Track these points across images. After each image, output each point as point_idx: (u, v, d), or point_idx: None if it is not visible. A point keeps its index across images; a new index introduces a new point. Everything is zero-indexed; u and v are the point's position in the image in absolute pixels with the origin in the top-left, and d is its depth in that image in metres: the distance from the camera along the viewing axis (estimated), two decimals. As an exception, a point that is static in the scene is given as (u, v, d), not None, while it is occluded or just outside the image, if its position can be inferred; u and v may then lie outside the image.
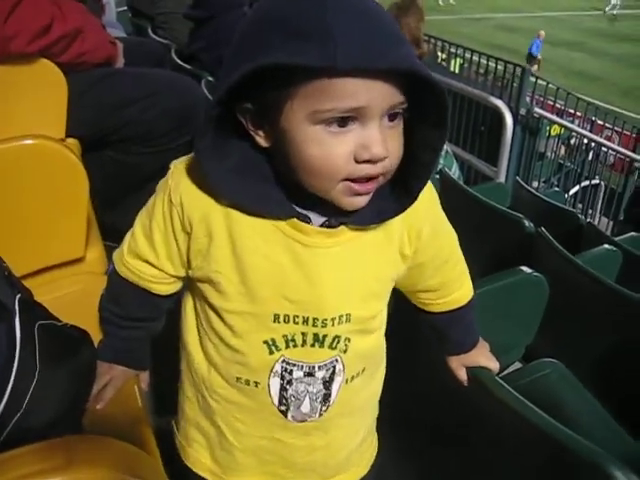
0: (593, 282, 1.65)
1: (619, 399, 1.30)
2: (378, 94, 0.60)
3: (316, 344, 0.75)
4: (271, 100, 0.62)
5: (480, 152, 4.73)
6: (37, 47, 1.42)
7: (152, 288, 0.81)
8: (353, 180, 0.64)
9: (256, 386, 0.77)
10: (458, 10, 24.03)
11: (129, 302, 0.84)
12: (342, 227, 0.72)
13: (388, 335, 0.87)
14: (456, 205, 1.07)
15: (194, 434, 0.86)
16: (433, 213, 0.81)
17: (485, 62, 5.07)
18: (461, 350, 0.94)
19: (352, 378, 0.80)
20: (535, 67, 14.78)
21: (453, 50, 5.36)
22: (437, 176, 2.54)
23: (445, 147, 2.97)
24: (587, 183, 5.15)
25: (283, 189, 0.70)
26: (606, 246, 2.10)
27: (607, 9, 24.39)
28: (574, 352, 1.58)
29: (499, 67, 4.81)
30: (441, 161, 2.87)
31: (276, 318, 0.73)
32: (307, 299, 0.73)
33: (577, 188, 5.13)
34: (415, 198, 0.71)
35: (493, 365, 0.95)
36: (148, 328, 0.89)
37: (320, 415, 0.79)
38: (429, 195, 0.77)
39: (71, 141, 1.51)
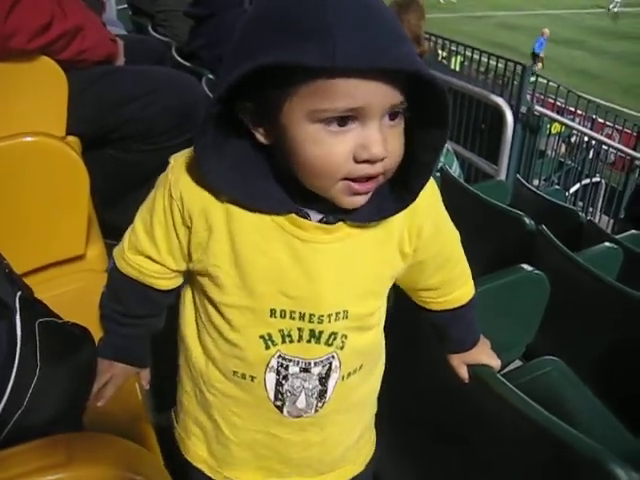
0: (594, 280, 1.65)
1: (620, 397, 1.30)
2: (378, 94, 0.60)
3: (312, 340, 0.75)
4: (271, 99, 0.62)
5: (481, 150, 4.72)
6: (37, 45, 1.41)
7: (153, 283, 0.81)
8: (352, 179, 0.64)
9: (252, 380, 0.77)
10: (459, 8, 23.96)
11: (129, 298, 0.85)
12: (340, 223, 0.72)
13: (388, 332, 0.86)
14: (457, 203, 1.07)
15: (192, 427, 0.86)
16: (435, 211, 0.80)
17: (486, 60, 5.06)
18: (462, 348, 0.94)
19: (349, 375, 0.80)
20: (539, 65, 14.77)
21: (454, 48, 5.35)
22: (438, 174, 2.53)
23: (446, 145, 2.96)
24: (588, 181, 5.16)
25: (283, 186, 0.70)
26: (607, 244, 2.09)
27: (611, 6, 24.34)
28: (575, 350, 1.58)
29: (500, 65, 4.80)
30: (442, 159, 2.86)
31: (273, 313, 0.73)
32: (305, 295, 0.73)
33: (578, 186, 5.14)
34: (416, 196, 0.70)
35: (494, 363, 0.95)
36: (148, 325, 0.89)
37: (316, 411, 0.79)
38: (431, 192, 0.77)
39: (71, 139, 1.50)
